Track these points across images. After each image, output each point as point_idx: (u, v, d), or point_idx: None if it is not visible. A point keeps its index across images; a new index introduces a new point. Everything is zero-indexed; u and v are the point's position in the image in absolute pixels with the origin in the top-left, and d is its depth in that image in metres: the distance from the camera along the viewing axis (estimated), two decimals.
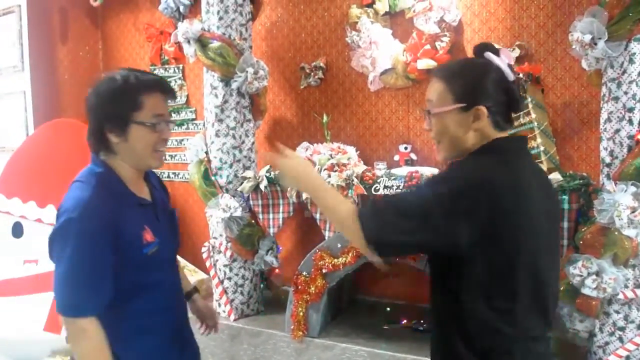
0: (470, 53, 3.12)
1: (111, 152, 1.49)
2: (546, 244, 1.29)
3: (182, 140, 4.19)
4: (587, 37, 2.32)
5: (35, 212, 3.89)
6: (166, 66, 4.26)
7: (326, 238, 3.07)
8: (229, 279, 3.37)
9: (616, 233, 2.29)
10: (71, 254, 1.35)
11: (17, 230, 3.90)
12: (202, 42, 3.22)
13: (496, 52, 1.31)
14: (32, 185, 3.92)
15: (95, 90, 1.47)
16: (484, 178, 1.20)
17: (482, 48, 1.33)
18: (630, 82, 2.31)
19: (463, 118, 1.30)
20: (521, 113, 2.73)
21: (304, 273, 3.03)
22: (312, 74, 3.59)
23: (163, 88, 1.51)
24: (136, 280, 1.47)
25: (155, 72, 4.29)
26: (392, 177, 2.84)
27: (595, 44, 2.32)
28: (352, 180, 2.88)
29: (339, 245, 2.92)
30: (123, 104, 1.43)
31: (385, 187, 2.83)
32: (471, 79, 1.31)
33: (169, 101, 1.54)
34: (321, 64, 3.56)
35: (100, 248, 1.37)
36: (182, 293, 1.76)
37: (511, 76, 1.30)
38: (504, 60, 1.30)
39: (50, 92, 4.27)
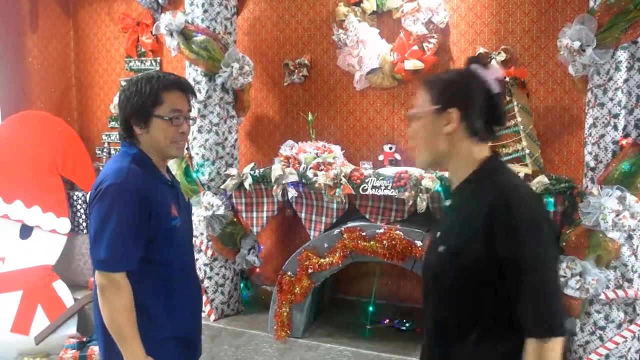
0: (456, 55, 3.18)
1: (138, 142, 1.70)
2: None
3: None
4: (576, 44, 2.37)
5: (1, 208, 3.72)
6: (142, 58, 4.12)
7: (311, 237, 3.05)
8: (210, 278, 3.30)
9: (600, 235, 2.35)
10: (118, 214, 1.56)
11: None
12: (185, 35, 3.13)
13: (485, 65, 1.35)
14: None
15: (124, 88, 1.70)
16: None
17: (470, 60, 1.38)
18: (616, 89, 2.37)
19: (436, 120, 1.35)
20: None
21: (289, 273, 2.99)
22: (296, 71, 3.54)
23: (182, 87, 1.72)
24: (164, 251, 1.67)
25: (131, 64, 4.15)
26: (380, 177, 2.84)
27: (584, 50, 2.38)
28: (340, 180, 2.86)
29: (326, 245, 2.90)
30: (146, 100, 1.65)
31: (374, 187, 2.82)
32: (448, 84, 1.37)
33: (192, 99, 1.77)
34: (305, 61, 3.52)
35: (140, 211, 1.59)
36: (199, 280, 1.99)
37: (495, 89, 1.33)
38: (490, 74, 1.33)
39: (18, 82, 4.06)
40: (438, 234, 1.43)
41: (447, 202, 1.48)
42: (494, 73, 1.34)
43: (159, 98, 1.65)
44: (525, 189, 1.31)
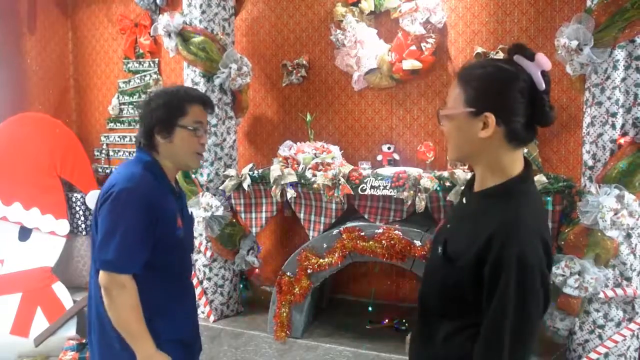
0: (454, 55, 3.18)
1: (155, 152, 1.75)
2: None
3: None
4: (574, 43, 2.38)
5: (0, 210, 3.72)
6: (141, 60, 4.12)
7: (310, 238, 3.05)
8: (209, 279, 3.30)
9: (599, 234, 2.36)
10: (128, 218, 1.60)
11: None
12: (183, 36, 3.13)
13: (530, 56, 1.16)
14: None
15: (150, 98, 1.77)
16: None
17: (514, 50, 1.19)
18: (614, 88, 2.38)
19: (471, 124, 1.21)
20: None
21: (288, 273, 2.99)
22: (295, 71, 3.54)
23: (205, 101, 1.80)
24: (166, 258, 1.71)
25: (129, 65, 4.15)
26: (379, 177, 2.84)
27: (581, 50, 2.38)
28: (339, 180, 2.86)
29: (325, 245, 2.90)
30: (171, 110, 1.72)
31: (372, 187, 2.82)
32: (486, 84, 1.20)
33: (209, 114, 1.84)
34: (304, 62, 3.52)
35: (148, 216, 1.62)
36: (192, 283, 2.01)
37: (542, 85, 1.16)
38: (536, 67, 1.16)
39: (17, 83, 4.06)
40: (444, 230, 1.37)
41: (464, 199, 1.36)
42: (540, 65, 1.15)
43: (184, 109, 1.73)
44: (533, 227, 1.16)
